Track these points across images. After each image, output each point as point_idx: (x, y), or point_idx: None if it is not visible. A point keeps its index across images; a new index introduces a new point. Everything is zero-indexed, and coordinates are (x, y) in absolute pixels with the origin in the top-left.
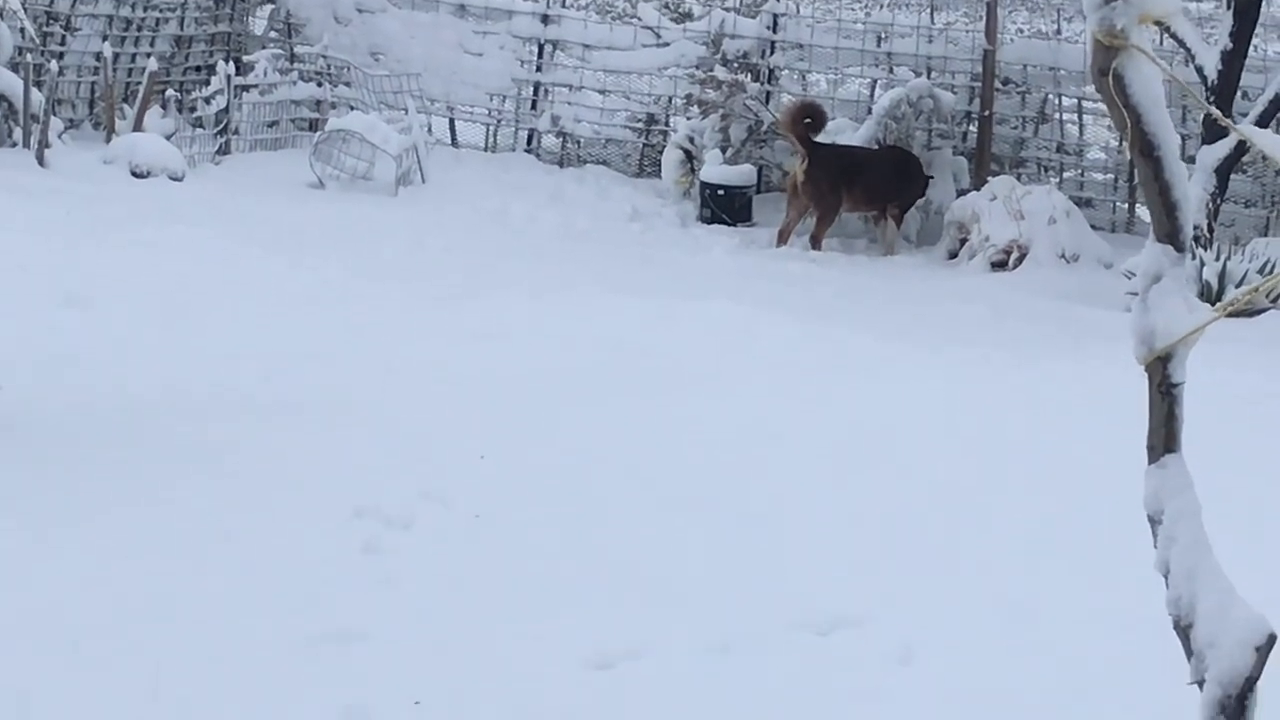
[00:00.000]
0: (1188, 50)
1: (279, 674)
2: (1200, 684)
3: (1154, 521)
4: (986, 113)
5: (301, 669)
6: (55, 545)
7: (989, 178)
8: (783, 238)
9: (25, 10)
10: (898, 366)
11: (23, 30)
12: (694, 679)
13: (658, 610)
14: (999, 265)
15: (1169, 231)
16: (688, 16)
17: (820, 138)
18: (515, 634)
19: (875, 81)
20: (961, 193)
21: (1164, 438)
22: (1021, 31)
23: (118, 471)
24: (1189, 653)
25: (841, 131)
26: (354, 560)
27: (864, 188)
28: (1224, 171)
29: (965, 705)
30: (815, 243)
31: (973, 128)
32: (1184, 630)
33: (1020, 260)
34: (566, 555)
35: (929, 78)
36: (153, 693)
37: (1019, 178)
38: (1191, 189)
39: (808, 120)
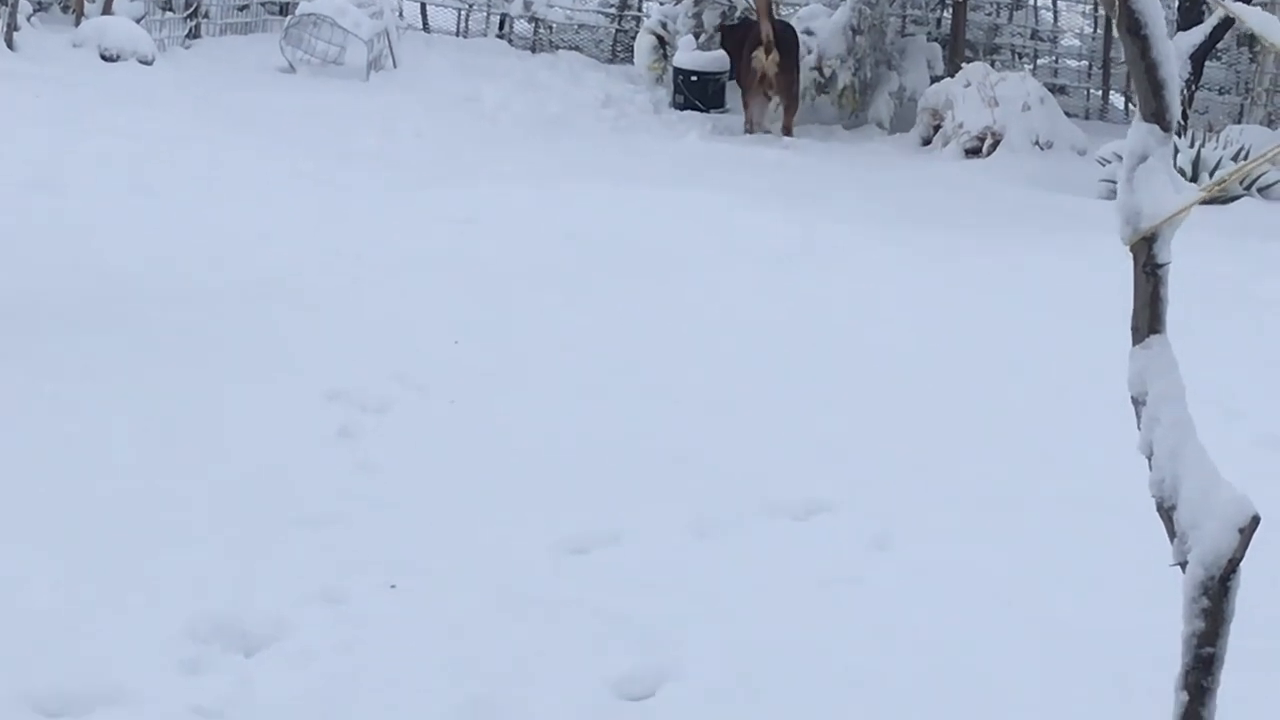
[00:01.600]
0: None
1: (254, 557)
2: (1183, 566)
3: (1137, 403)
4: None
5: (277, 552)
6: (20, 434)
7: (963, 64)
8: (756, 126)
9: None
10: (869, 254)
11: None
12: (671, 564)
13: (634, 495)
14: (973, 152)
15: (1155, 110)
16: None
17: (793, 22)
18: (492, 519)
19: None
20: (935, 79)
21: (1149, 319)
22: None
23: (83, 356)
24: (1171, 534)
25: (815, 16)
26: (329, 445)
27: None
28: (1198, 58)
29: (942, 590)
30: (789, 130)
31: (947, 14)
32: (1167, 512)
33: (994, 147)
34: (542, 441)
35: None
36: (123, 577)
37: (993, 64)
38: None
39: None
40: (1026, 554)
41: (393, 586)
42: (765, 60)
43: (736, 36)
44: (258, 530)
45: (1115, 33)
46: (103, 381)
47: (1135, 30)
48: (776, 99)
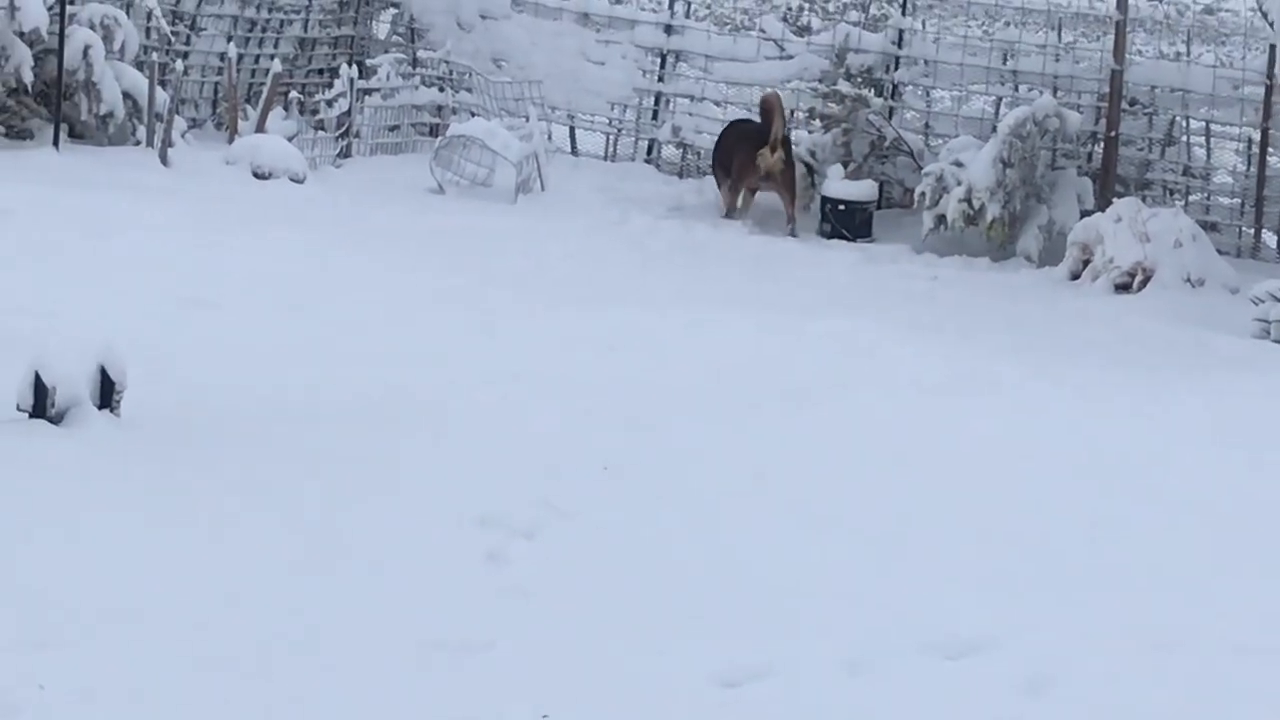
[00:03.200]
0: None
1: (403, 683)
2: None
3: None
4: (1112, 133)
5: (426, 678)
6: (175, 545)
7: (1113, 199)
8: (735, 214)
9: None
10: (1021, 387)
11: (148, 30)
12: (821, 702)
13: (785, 628)
14: (1123, 288)
15: None
16: (806, 30)
17: (942, 154)
18: (641, 648)
19: (1000, 99)
20: (1085, 214)
21: None
22: (1142, 53)
23: (239, 473)
24: None
25: (965, 148)
26: (477, 569)
27: None
28: None
29: None
30: (793, 220)
31: (1098, 148)
32: None
33: (1145, 283)
34: (692, 570)
35: (1055, 96)
36: (272, 700)
37: (1144, 200)
38: None
39: None
40: (1188, 702)
41: (545, 717)
42: (770, 159)
43: (734, 133)
44: (407, 655)
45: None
46: (248, 501)
47: None
48: (779, 193)
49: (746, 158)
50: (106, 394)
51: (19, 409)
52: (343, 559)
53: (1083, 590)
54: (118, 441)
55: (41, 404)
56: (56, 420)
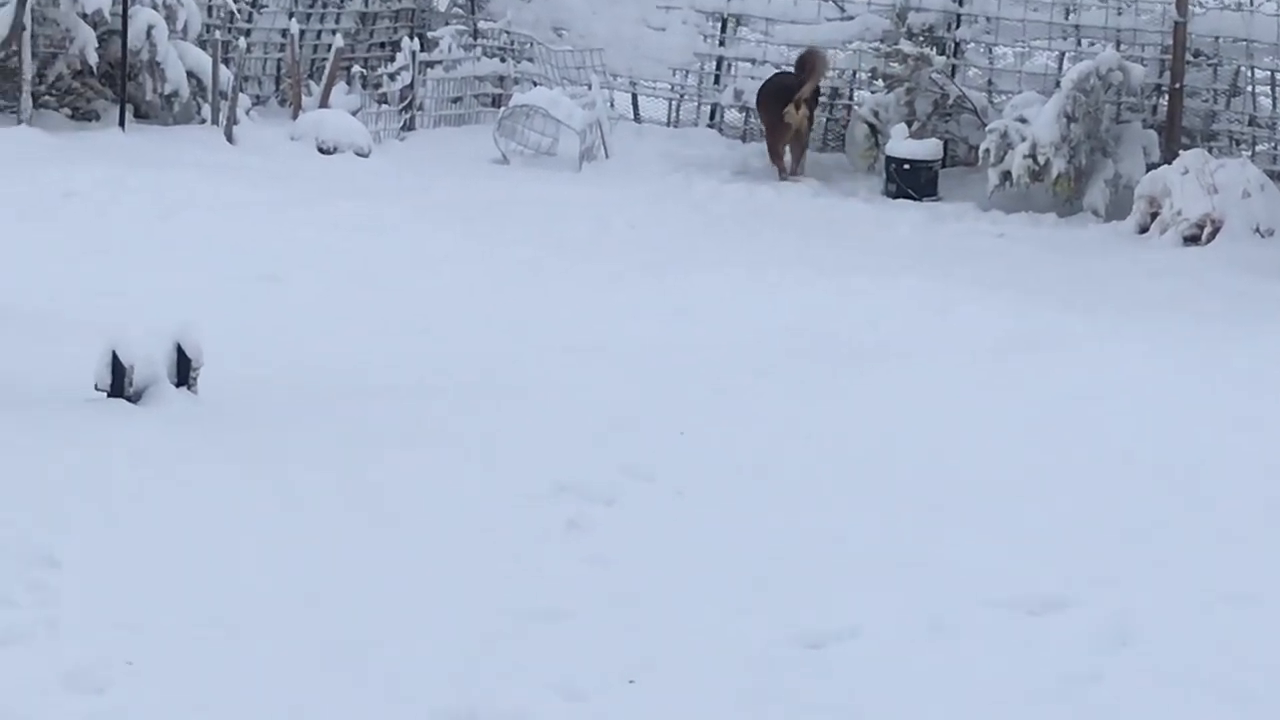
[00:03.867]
0: None
1: (490, 652)
2: None
3: None
4: (1177, 85)
5: (512, 646)
6: (256, 520)
7: (1180, 151)
8: (790, 175)
9: None
10: (1093, 342)
11: (210, 8)
12: (905, 661)
13: (865, 589)
14: (1191, 240)
15: None
16: None
17: (1006, 110)
18: (725, 612)
19: (1063, 54)
20: (1151, 166)
21: None
22: (1203, 4)
23: (315, 448)
24: None
25: (1029, 104)
26: (558, 537)
27: None
28: None
29: (1186, 690)
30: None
31: (1163, 101)
32: None
33: (1214, 235)
34: (771, 532)
35: (1118, 50)
36: (362, 670)
37: (1210, 151)
38: None
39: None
40: (1266, 655)
41: (631, 682)
42: (797, 115)
43: (769, 90)
44: (493, 624)
45: None
46: (328, 474)
47: None
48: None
49: (776, 117)
50: (183, 372)
51: (97, 389)
52: (423, 531)
53: (1158, 545)
54: (196, 419)
55: (119, 383)
56: (135, 399)
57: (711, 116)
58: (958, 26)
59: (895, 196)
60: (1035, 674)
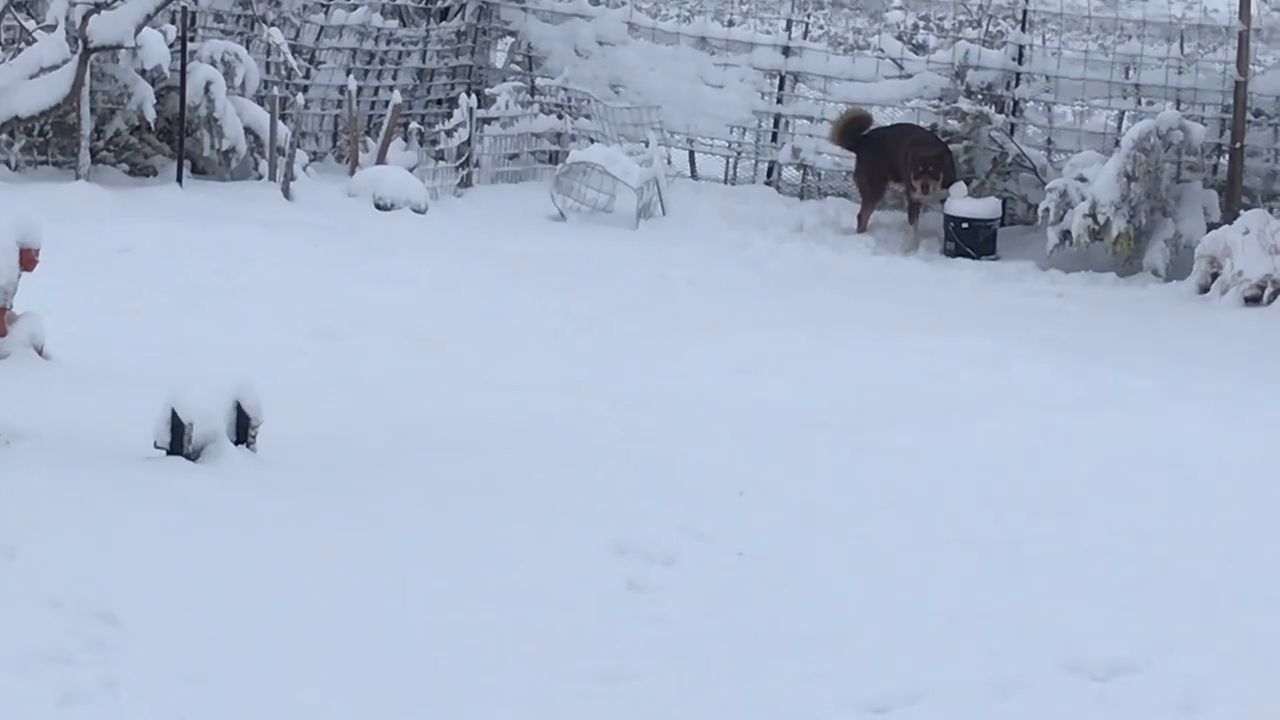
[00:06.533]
0: None
1: (548, 713)
2: None
3: None
4: (1238, 145)
5: (571, 708)
6: (324, 586)
7: (1240, 211)
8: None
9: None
10: (1155, 403)
11: (267, 65)
12: None
13: (930, 651)
14: (1253, 300)
15: None
16: (923, 48)
17: (1066, 169)
18: (788, 675)
19: (1123, 113)
20: (1212, 226)
21: None
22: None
23: (375, 506)
24: None
25: (1089, 163)
26: (619, 597)
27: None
28: None
29: None
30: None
31: (1223, 160)
32: None
33: (1275, 295)
34: (834, 593)
35: (1178, 109)
36: None
37: (1271, 211)
38: None
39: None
40: None
41: None
42: (928, 196)
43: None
44: (556, 686)
45: None
46: (400, 533)
47: None
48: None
49: (877, 167)
50: (242, 429)
51: (156, 446)
52: (481, 592)
53: (1223, 608)
54: (255, 477)
55: (178, 440)
56: (193, 457)
57: (769, 174)
58: (1017, 85)
59: (954, 255)
60: None
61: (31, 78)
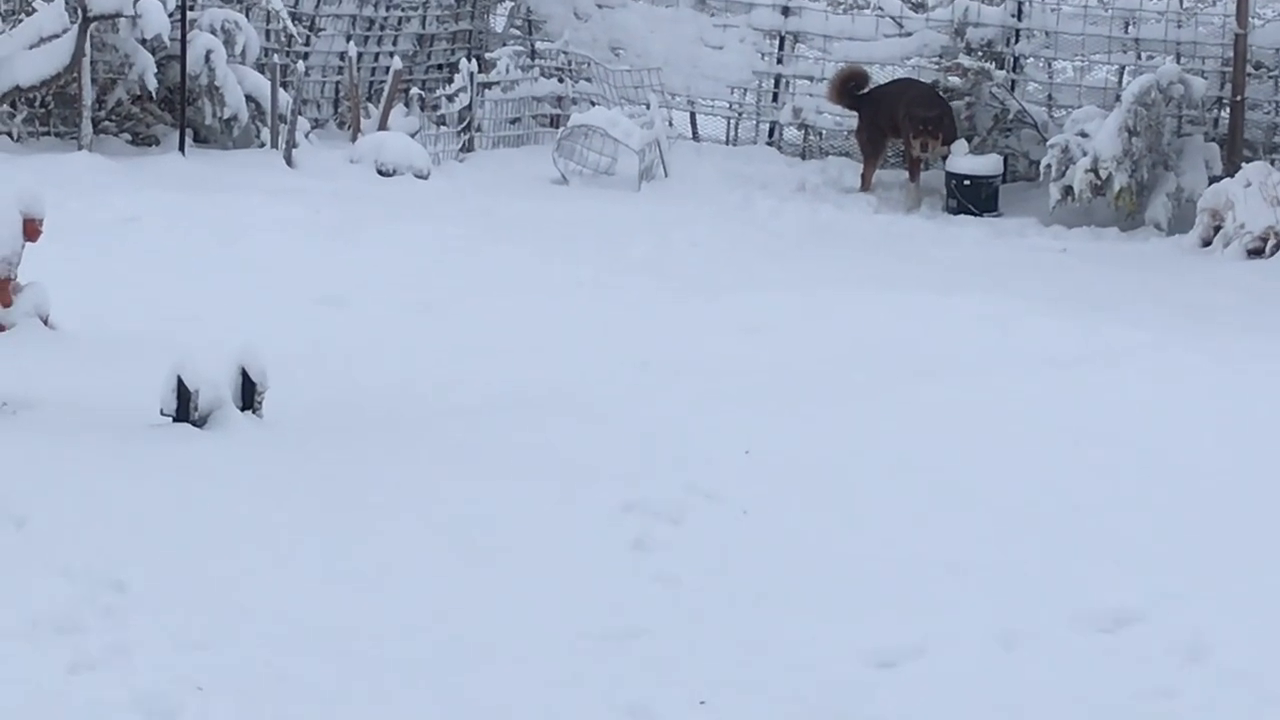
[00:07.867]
0: None
1: (559, 672)
2: None
3: None
4: (1238, 98)
5: (582, 667)
6: (322, 543)
7: (1242, 164)
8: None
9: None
10: (1159, 356)
11: (268, 32)
12: (979, 678)
13: (934, 605)
14: (1255, 253)
15: None
16: (923, 6)
17: (1067, 125)
18: (795, 631)
19: (1123, 68)
20: (1213, 180)
21: None
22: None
23: (381, 469)
24: None
25: (1090, 118)
26: (626, 556)
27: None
28: None
29: (1265, 702)
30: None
31: (1224, 114)
32: None
33: (1277, 247)
34: (839, 549)
35: (1178, 63)
36: (433, 698)
37: (1272, 163)
38: None
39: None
40: None
41: (702, 702)
42: (928, 154)
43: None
44: (565, 645)
45: None
46: (395, 496)
47: None
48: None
49: (878, 124)
50: (248, 395)
51: (162, 413)
52: (489, 553)
53: (1229, 558)
54: (262, 443)
55: (185, 408)
56: (200, 424)
57: (770, 134)
58: (1017, 41)
59: (956, 212)
60: (1107, 690)
61: (31, 47)
